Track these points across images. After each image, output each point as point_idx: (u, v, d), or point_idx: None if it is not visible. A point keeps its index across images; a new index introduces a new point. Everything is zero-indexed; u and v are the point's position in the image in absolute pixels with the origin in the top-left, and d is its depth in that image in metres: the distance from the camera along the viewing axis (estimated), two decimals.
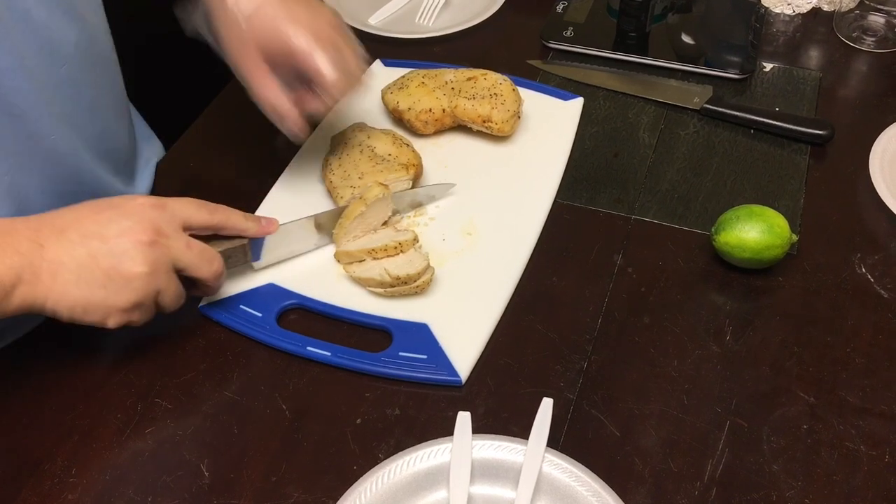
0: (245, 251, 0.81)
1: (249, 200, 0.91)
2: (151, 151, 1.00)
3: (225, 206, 0.78)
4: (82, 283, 0.68)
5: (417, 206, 0.90)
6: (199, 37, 0.84)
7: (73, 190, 0.79)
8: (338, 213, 0.86)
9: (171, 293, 0.73)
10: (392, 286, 0.80)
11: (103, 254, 0.69)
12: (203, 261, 0.74)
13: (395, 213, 0.87)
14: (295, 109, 0.82)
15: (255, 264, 0.83)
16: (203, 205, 0.76)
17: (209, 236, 0.78)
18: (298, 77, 0.83)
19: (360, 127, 0.94)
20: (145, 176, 0.97)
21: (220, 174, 0.97)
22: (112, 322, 0.71)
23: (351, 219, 0.84)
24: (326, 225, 0.86)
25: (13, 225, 0.68)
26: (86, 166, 0.84)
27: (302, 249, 0.86)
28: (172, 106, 1.08)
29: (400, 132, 0.95)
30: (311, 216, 0.85)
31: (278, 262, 0.85)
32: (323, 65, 0.80)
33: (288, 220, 0.84)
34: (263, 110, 0.83)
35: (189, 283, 0.75)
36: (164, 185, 0.98)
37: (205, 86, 1.06)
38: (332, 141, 0.94)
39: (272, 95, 0.82)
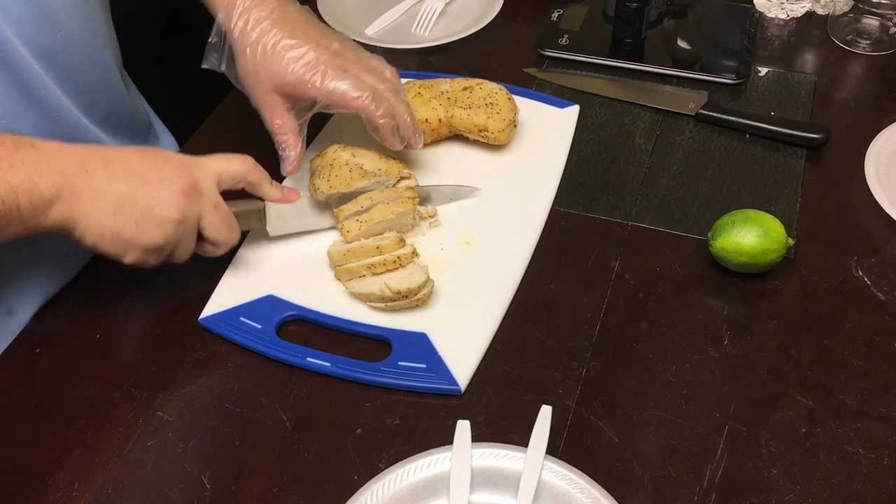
0: (261, 215, 0.85)
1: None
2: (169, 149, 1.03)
3: (254, 162, 0.81)
4: (118, 215, 0.72)
5: (445, 202, 0.92)
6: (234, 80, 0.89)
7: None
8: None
9: (188, 245, 0.78)
10: (393, 300, 0.81)
11: (143, 194, 0.73)
12: (224, 224, 0.79)
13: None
14: (300, 144, 0.87)
15: (270, 230, 0.87)
16: (231, 158, 0.80)
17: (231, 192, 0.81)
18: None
19: (341, 147, 0.92)
20: None
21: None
22: (130, 257, 0.75)
23: (360, 260, 0.83)
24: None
25: (62, 148, 0.72)
26: (82, 125, 0.86)
27: (317, 226, 0.89)
28: (181, 105, 1.10)
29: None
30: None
31: (290, 235, 0.88)
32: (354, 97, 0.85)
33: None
34: (273, 137, 0.87)
35: (198, 238, 0.79)
36: None
37: (209, 87, 1.07)
38: (312, 164, 0.92)
39: (282, 123, 0.86)
